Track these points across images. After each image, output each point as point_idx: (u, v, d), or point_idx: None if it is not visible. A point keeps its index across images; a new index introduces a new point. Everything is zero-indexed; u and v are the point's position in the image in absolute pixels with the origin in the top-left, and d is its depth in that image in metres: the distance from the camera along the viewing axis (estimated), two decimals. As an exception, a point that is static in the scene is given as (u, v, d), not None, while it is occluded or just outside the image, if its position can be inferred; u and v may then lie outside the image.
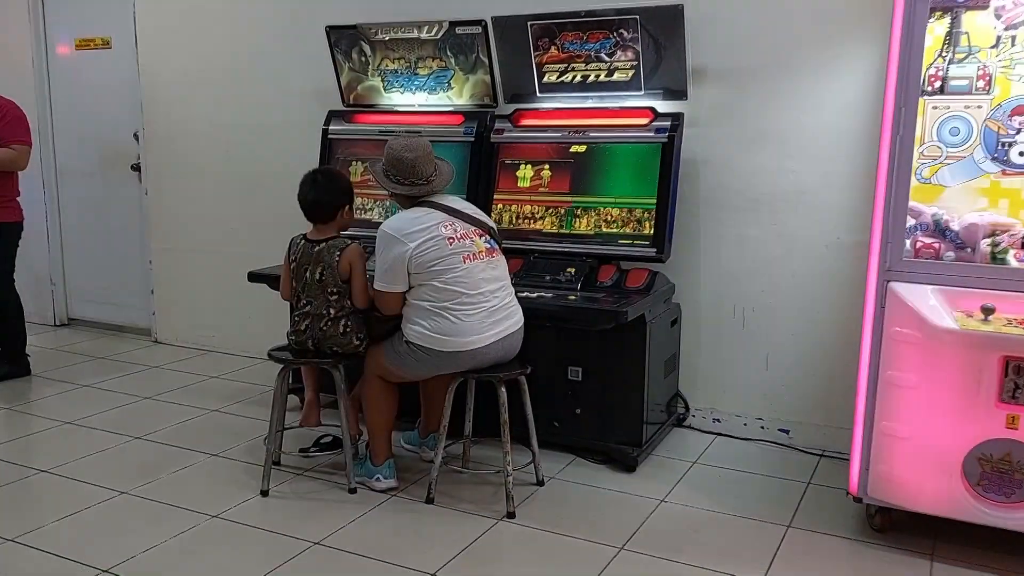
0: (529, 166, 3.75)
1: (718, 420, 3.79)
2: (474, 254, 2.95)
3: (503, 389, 2.96)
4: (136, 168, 5.22)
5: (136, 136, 5.17)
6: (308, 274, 3.11)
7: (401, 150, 3.00)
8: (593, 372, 3.40)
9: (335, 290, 3.09)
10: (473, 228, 3.02)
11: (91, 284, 5.61)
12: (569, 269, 3.50)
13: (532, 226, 3.70)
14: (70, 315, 5.73)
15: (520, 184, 3.76)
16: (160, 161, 5.12)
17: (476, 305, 2.91)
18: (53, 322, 5.69)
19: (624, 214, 3.54)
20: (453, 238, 2.93)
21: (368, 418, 3.16)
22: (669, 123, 3.49)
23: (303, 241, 3.17)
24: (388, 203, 3.99)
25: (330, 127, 4.18)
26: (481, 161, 3.82)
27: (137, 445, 3.62)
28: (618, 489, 3.19)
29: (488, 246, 3.02)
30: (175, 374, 4.66)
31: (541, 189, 3.72)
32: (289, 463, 3.38)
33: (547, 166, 3.72)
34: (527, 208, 3.73)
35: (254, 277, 3.82)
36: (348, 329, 3.10)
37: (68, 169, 5.54)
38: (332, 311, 3.09)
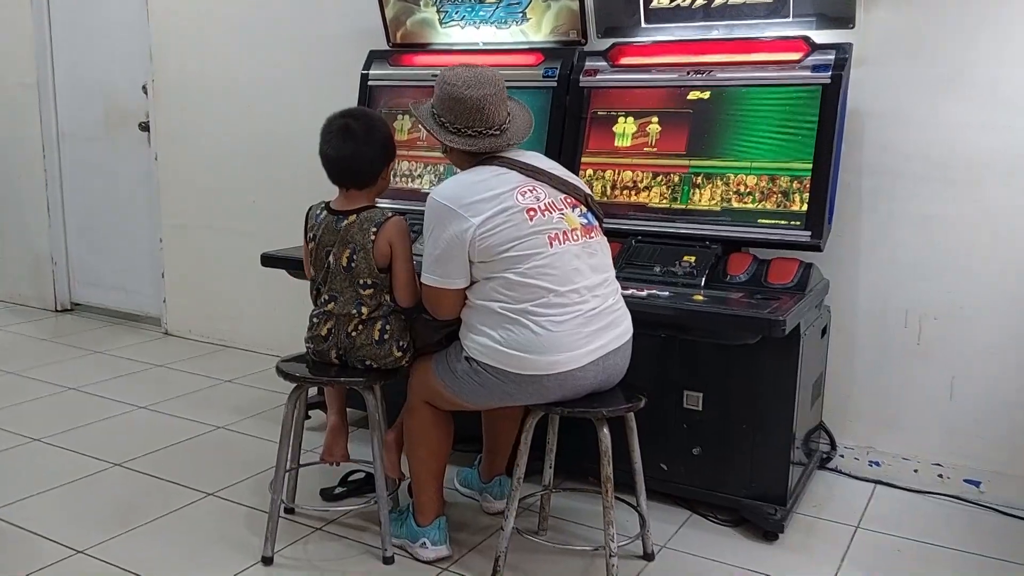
0: (631, 119, 2.82)
1: (876, 463, 2.83)
2: (565, 233, 2.04)
3: (605, 431, 2.04)
4: (145, 128, 4.41)
5: (145, 89, 4.36)
6: (332, 259, 2.24)
7: (462, 85, 2.09)
8: (719, 399, 2.47)
9: (370, 281, 2.22)
10: (563, 196, 2.10)
11: (96, 265, 4.84)
12: (687, 258, 2.57)
13: (634, 199, 2.77)
14: (73, 300, 4.97)
15: (618, 143, 2.83)
16: (172, 119, 4.30)
17: (568, 308, 2.00)
18: (54, 307, 4.94)
19: (764, 184, 2.59)
20: (535, 210, 2.02)
21: (412, 461, 2.28)
22: (833, 57, 2.53)
23: (324, 212, 2.30)
24: (443, 167, 3.09)
25: (371, 71, 3.30)
26: (565, 113, 2.90)
27: (115, 475, 2.80)
28: (759, 569, 2.26)
29: (585, 222, 2.10)
30: (181, 376, 3.84)
31: (647, 149, 2.78)
32: (306, 510, 2.52)
33: (655, 119, 2.78)
34: (627, 175, 2.80)
35: (269, 260, 2.96)
36: (387, 335, 2.23)
37: (70, 130, 4.76)
38: (364, 310, 2.22)
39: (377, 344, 2.22)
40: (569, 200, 2.10)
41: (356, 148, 2.23)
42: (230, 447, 3.04)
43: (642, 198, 2.76)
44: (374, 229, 2.21)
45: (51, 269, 4.91)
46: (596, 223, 2.14)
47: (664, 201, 2.72)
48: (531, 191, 2.06)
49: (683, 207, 2.69)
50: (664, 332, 2.39)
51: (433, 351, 2.24)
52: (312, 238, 2.30)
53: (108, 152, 4.62)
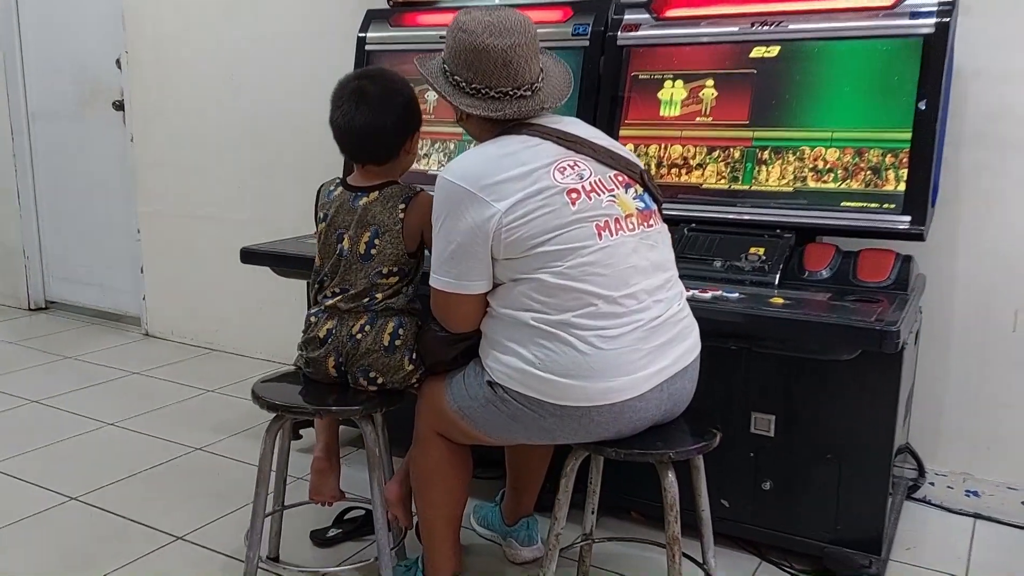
0: (679, 82, 2.34)
1: (974, 494, 2.37)
2: (618, 220, 1.58)
3: (671, 477, 1.58)
4: (119, 106, 3.95)
5: (119, 63, 3.89)
6: (347, 243, 1.81)
7: (483, 33, 1.62)
8: (795, 423, 2.01)
9: (396, 269, 1.81)
10: (613, 173, 1.64)
11: (72, 259, 4.39)
12: (755, 250, 2.10)
13: (685, 179, 2.30)
14: (48, 297, 4.53)
15: (665, 112, 2.36)
16: (148, 96, 3.84)
17: (624, 318, 1.54)
18: (27, 305, 4.50)
19: (848, 158, 2.12)
20: (578, 191, 1.56)
21: (422, 505, 1.83)
22: (935, 4, 2.05)
23: (339, 189, 1.87)
24: (453, 144, 2.63)
25: (368, 34, 2.83)
26: (599, 78, 2.43)
27: (69, 513, 2.35)
28: (856, 639, 1.81)
29: (641, 206, 1.64)
30: (159, 385, 3.39)
31: (701, 119, 2.31)
32: (294, 557, 2.08)
33: (710, 82, 2.30)
34: (676, 151, 2.33)
35: (250, 256, 2.49)
36: (399, 340, 1.79)
37: (40, 109, 4.30)
38: (379, 296, 1.81)
39: (386, 352, 1.78)
40: (621, 178, 1.64)
41: (372, 116, 1.79)
42: (208, 474, 2.59)
43: (695, 178, 2.29)
44: (402, 206, 1.80)
45: (23, 264, 4.46)
46: (655, 207, 1.68)
47: (722, 181, 2.25)
48: (572, 167, 1.59)
49: (746, 188, 2.22)
50: (734, 343, 1.92)
51: (446, 370, 1.78)
52: (323, 218, 1.86)
53: (82, 134, 4.17)
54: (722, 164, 2.26)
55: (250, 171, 3.59)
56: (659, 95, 2.37)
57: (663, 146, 2.34)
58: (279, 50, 3.40)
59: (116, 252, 4.15)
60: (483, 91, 1.64)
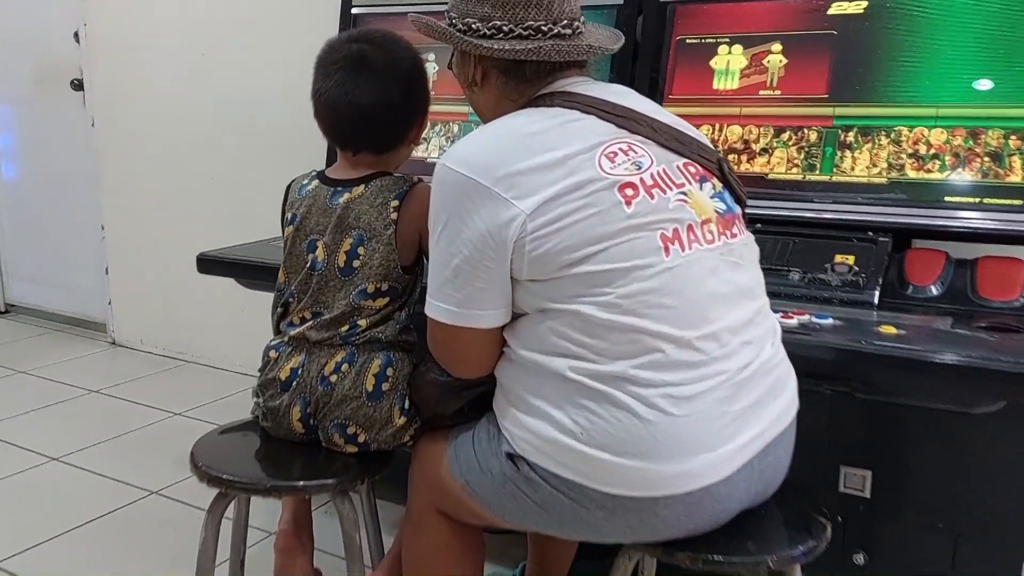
0: (737, 48, 1.88)
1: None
2: (691, 229, 1.13)
3: (764, 589, 1.14)
4: (78, 86, 3.49)
5: (76, 36, 3.43)
6: (321, 253, 1.38)
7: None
8: (897, 482, 1.56)
9: (385, 287, 1.37)
10: (682, 162, 1.19)
11: (34, 257, 3.94)
12: (842, 258, 1.65)
13: (747, 167, 1.84)
14: (7, 300, 4.08)
15: (719, 84, 1.90)
16: (110, 74, 3.39)
17: (702, 369, 1.09)
18: (-14, 309, 4.07)
19: (959, 141, 1.66)
20: (635, 186, 1.12)
21: (417, 603, 1.39)
22: (1078, -64, 1.59)
23: (314, 183, 1.44)
24: (457, 127, 2.19)
25: (355, -5, 2.38)
26: (636, 42, 1.97)
27: (-11, 580, 1.93)
28: None
29: (722, 208, 1.19)
30: (120, 407, 2.96)
31: (766, 93, 1.85)
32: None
33: (778, 45, 1.84)
34: (735, 132, 1.87)
35: (208, 265, 2.04)
36: (387, 383, 1.36)
37: (-4, 91, 3.86)
38: (363, 323, 1.37)
39: (370, 399, 1.35)
40: (693, 168, 1.19)
41: (378, 89, 1.38)
42: (163, 527, 2.15)
43: (759, 166, 1.83)
44: (395, 202, 1.36)
45: (-20, 263, 4.03)
46: (738, 209, 1.23)
47: (795, 170, 1.80)
48: (626, 152, 1.14)
49: (826, 179, 1.76)
50: (830, 387, 1.47)
51: (449, 425, 1.34)
52: (291, 220, 1.42)
53: (38, 117, 3.72)
54: (794, 149, 1.80)
55: (223, 161, 3.14)
56: (712, 63, 1.90)
57: (718, 127, 1.88)
58: (254, 18, 2.94)
59: (79, 251, 3.71)
60: (506, 28, 1.19)
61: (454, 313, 1.17)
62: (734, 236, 1.18)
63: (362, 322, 1.35)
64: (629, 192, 1.11)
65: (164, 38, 3.19)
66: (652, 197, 1.12)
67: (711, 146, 1.26)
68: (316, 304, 1.38)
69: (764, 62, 1.85)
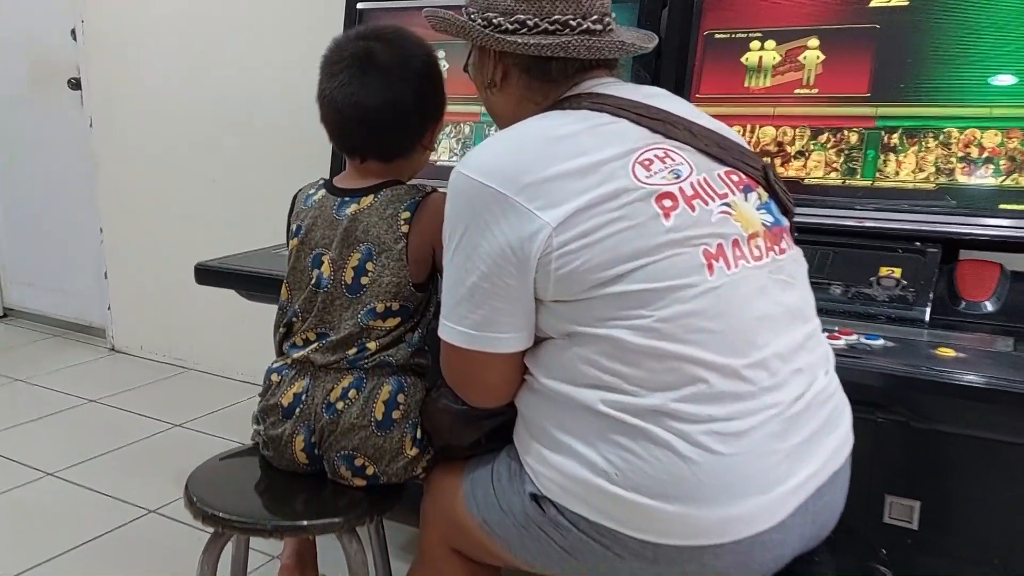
0: (771, 43, 1.76)
1: None
2: (736, 244, 1.02)
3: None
4: (75, 85, 3.39)
5: (73, 33, 3.33)
6: (327, 268, 1.27)
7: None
8: (948, 514, 1.44)
9: (396, 306, 1.26)
10: (724, 170, 1.08)
11: (32, 260, 3.84)
12: (888, 271, 1.53)
13: (782, 172, 1.72)
14: (6, 304, 3.98)
15: (751, 82, 1.78)
16: (108, 73, 3.28)
17: (750, 400, 0.97)
18: (-17, 313, 3.98)
19: (1016, 144, 1.54)
20: (673, 196, 1.00)
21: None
22: None
23: (320, 192, 1.33)
24: (469, 127, 2.07)
25: (361, -11, 2.26)
26: (660, 37, 1.85)
27: (-25, 608, 1.82)
28: None
29: (770, 220, 1.08)
30: (119, 418, 2.85)
31: (801, 91, 1.73)
32: None
33: (815, 40, 1.72)
34: (768, 134, 1.75)
35: (207, 275, 1.93)
36: (398, 411, 1.25)
37: (-9, 91, 3.75)
38: (372, 346, 1.26)
39: (380, 429, 1.24)
40: (736, 177, 1.07)
41: (386, 90, 1.27)
42: (161, 549, 2.05)
43: (795, 171, 1.71)
44: (407, 214, 1.25)
45: (-23, 266, 3.93)
46: (786, 222, 1.11)
47: (834, 175, 1.67)
48: (663, 158, 1.03)
49: (868, 184, 1.64)
50: (882, 415, 1.35)
51: (465, 456, 1.22)
52: (295, 232, 1.31)
53: (34, 117, 3.61)
54: (833, 152, 1.68)
55: (225, 163, 3.03)
56: (743, 59, 1.78)
57: (750, 128, 1.76)
58: (257, 14, 2.83)
59: (77, 254, 3.60)
60: (531, 23, 1.08)
61: (470, 336, 1.05)
62: (783, 251, 1.06)
63: (371, 344, 1.24)
64: (667, 203, 0.99)
65: (163, 36, 3.08)
66: (693, 209, 1.00)
67: (754, 152, 1.15)
68: (321, 324, 1.27)
69: (800, 58, 1.73)
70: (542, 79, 1.13)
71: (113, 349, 3.52)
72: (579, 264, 0.98)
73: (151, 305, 3.38)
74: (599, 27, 1.10)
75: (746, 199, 1.06)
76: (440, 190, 1.24)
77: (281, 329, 1.33)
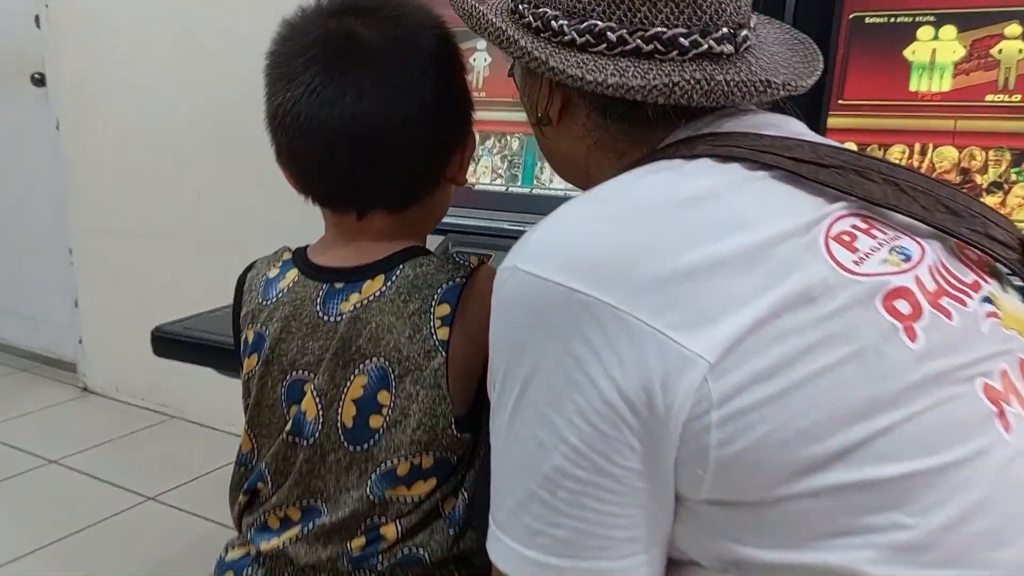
0: (948, 29, 1.26)
1: None
2: (1022, 366, 0.55)
3: None
4: (39, 80, 2.91)
5: (37, 20, 2.85)
6: (311, 406, 0.75)
7: None
8: None
9: (430, 459, 0.74)
10: (952, 241, 0.61)
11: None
12: None
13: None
14: (-30, 331, 3.52)
15: (917, 85, 1.28)
16: (77, 67, 2.81)
17: None
18: (-55, 342, 3.51)
19: None
20: (909, 295, 0.53)
21: None
22: None
23: (290, 274, 0.80)
24: (518, 140, 1.58)
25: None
26: (789, 23, 1.35)
27: None
28: None
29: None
30: (82, 486, 2.37)
31: (994, 98, 1.23)
32: None
33: (1015, 27, 1.22)
34: (948, 155, 1.25)
35: (164, 342, 1.43)
36: None
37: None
38: (387, 549, 0.74)
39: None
40: (975, 255, 0.63)
41: (390, 96, 0.76)
42: None
43: (992, 201, 1.21)
44: (444, 307, 0.74)
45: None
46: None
47: (1055, 217, 1.18)
48: (867, 230, 0.59)
49: (1106, 232, 1.14)
50: None
51: None
52: (252, 345, 0.80)
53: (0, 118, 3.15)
54: (1051, 184, 1.18)
55: (212, 174, 2.56)
56: (907, 54, 1.29)
57: (919, 148, 1.27)
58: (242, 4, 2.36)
59: (44, 278, 3.13)
60: (612, 36, 0.63)
61: (550, 568, 0.57)
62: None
63: (389, 529, 0.74)
64: (903, 307, 0.54)
65: (143, 22, 2.61)
66: (948, 315, 0.56)
67: (990, 207, 0.68)
68: (307, 496, 0.77)
69: (994, 52, 1.23)
70: (631, 124, 0.67)
71: (85, 389, 3.04)
72: (763, 434, 0.51)
73: (129, 339, 2.88)
74: (729, 48, 0.63)
75: (1004, 289, 0.63)
76: (487, 264, 0.75)
77: (241, 497, 0.82)
